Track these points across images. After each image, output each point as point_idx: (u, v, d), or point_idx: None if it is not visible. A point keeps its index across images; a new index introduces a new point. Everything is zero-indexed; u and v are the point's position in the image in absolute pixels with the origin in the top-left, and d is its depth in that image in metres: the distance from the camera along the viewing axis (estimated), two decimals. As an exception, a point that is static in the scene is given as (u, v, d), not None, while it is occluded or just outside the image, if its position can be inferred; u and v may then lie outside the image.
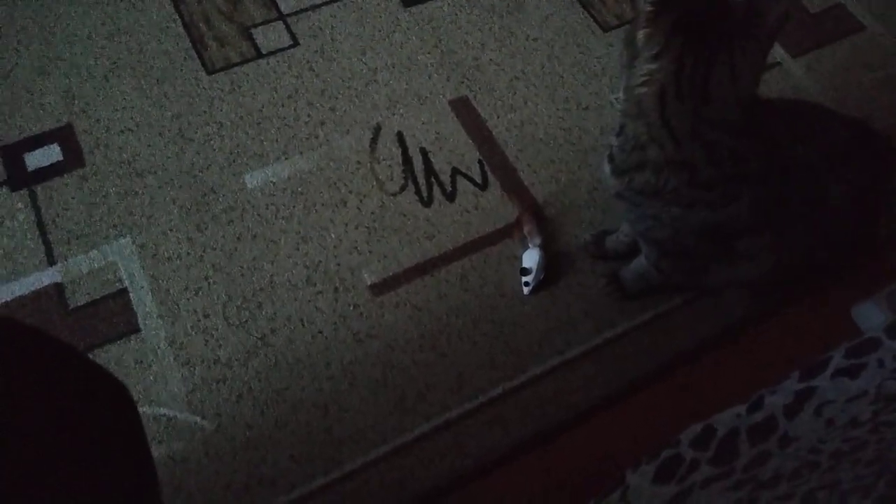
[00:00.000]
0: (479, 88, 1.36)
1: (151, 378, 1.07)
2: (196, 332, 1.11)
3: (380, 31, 1.42)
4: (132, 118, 1.29)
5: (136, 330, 1.11)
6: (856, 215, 0.95)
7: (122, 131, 1.28)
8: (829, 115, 1.00)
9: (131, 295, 1.14)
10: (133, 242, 1.18)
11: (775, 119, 0.90)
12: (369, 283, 1.16)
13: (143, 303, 1.13)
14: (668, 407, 1.04)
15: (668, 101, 0.81)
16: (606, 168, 0.95)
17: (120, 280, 1.15)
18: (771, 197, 0.89)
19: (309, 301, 1.14)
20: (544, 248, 1.17)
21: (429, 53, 1.40)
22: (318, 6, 1.45)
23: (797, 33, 1.45)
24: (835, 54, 1.43)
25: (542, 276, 1.15)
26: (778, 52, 1.42)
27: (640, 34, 0.80)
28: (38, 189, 1.21)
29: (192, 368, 1.09)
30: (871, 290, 1.10)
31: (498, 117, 1.33)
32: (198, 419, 1.05)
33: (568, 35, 1.43)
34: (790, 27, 1.45)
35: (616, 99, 0.88)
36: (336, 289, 1.15)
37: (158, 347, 1.10)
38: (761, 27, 0.78)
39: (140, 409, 1.02)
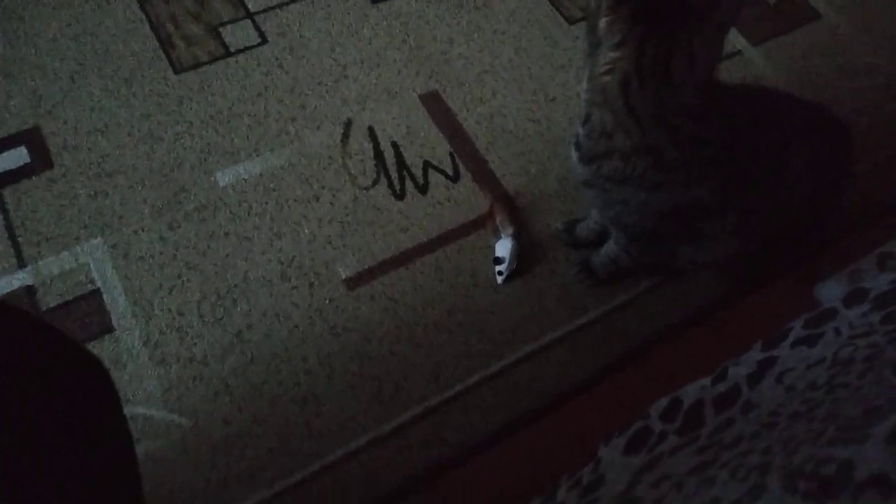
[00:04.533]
0: (449, 82, 1.37)
1: (127, 378, 1.07)
2: (171, 331, 1.11)
3: (348, 27, 1.43)
4: (100, 119, 1.29)
5: (110, 330, 1.10)
6: (815, 193, 0.98)
7: (90, 132, 1.27)
8: (788, 98, 1.02)
9: (104, 295, 1.13)
10: (105, 243, 1.17)
11: (735, 102, 0.93)
12: (344, 276, 1.17)
13: (117, 303, 1.13)
14: (641, 388, 1.05)
15: (631, 87, 0.82)
16: (574, 156, 0.97)
17: (92, 281, 1.14)
18: (732, 178, 0.91)
19: (284, 296, 1.15)
20: (517, 237, 1.18)
21: (398, 49, 1.41)
22: (286, 4, 1.45)
23: (756, 22, 1.49)
24: (793, 43, 1.46)
25: (515, 265, 1.16)
26: (738, 40, 1.46)
27: (602, 22, 0.82)
28: (6, 192, 1.20)
29: (167, 367, 1.08)
30: (833, 271, 1.13)
31: (468, 110, 1.34)
32: (175, 417, 1.05)
33: (535, 28, 1.45)
34: (750, 16, 1.49)
35: (581, 89, 0.89)
36: (311, 283, 1.16)
37: (133, 347, 1.09)
38: (718, 13, 0.81)
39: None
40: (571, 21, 1.47)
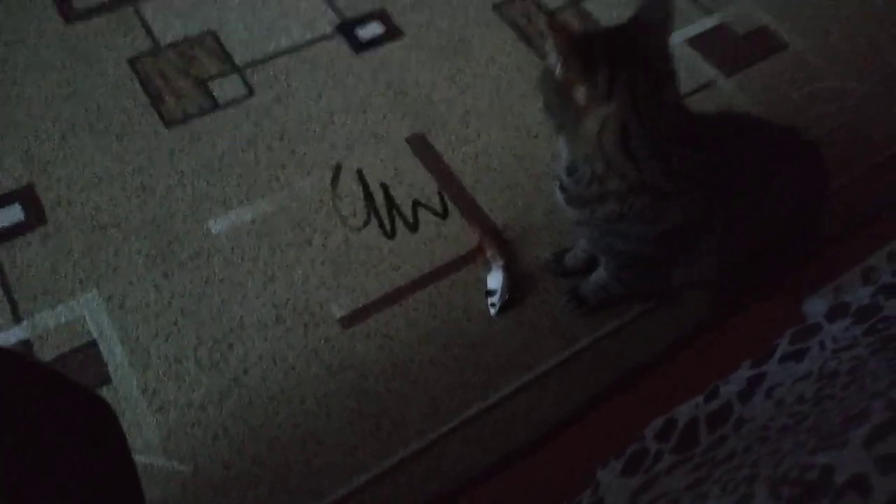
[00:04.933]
0: (433, 124, 1.41)
1: (126, 426, 1.05)
2: (168, 378, 1.11)
3: (333, 76, 1.47)
4: (93, 174, 1.31)
5: (108, 380, 1.11)
6: (795, 211, 1.01)
7: (83, 188, 1.30)
8: (762, 122, 1.07)
9: (100, 346, 1.14)
10: (100, 295, 1.18)
11: (715, 124, 0.97)
12: (338, 316, 1.18)
13: (113, 353, 1.13)
14: (636, 412, 1.06)
15: (630, 132, 0.86)
16: (560, 198, 0.99)
17: (88, 332, 1.15)
18: (720, 194, 0.94)
19: (280, 338, 1.16)
20: (507, 269, 1.21)
21: (382, 95, 1.45)
22: (272, 57, 1.50)
23: (728, 54, 1.54)
24: (763, 72, 1.52)
25: (507, 297, 1.18)
26: (711, 71, 1.51)
27: (580, 92, 0.85)
28: (1, 249, 1.22)
29: (165, 414, 1.08)
30: (819, 286, 1.16)
31: (453, 150, 1.38)
32: (174, 464, 1.05)
33: (513, 70, 1.50)
34: (721, 49, 1.55)
35: (563, 151, 0.94)
36: (306, 324, 1.17)
37: (131, 396, 1.10)
38: (658, 34, 0.85)
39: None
40: (549, 61, 1.52)
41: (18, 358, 0.55)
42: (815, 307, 1.07)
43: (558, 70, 0.85)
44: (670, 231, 0.96)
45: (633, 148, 0.87)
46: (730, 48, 1.56)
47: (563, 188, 0.97)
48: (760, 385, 0.73)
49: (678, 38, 1.57)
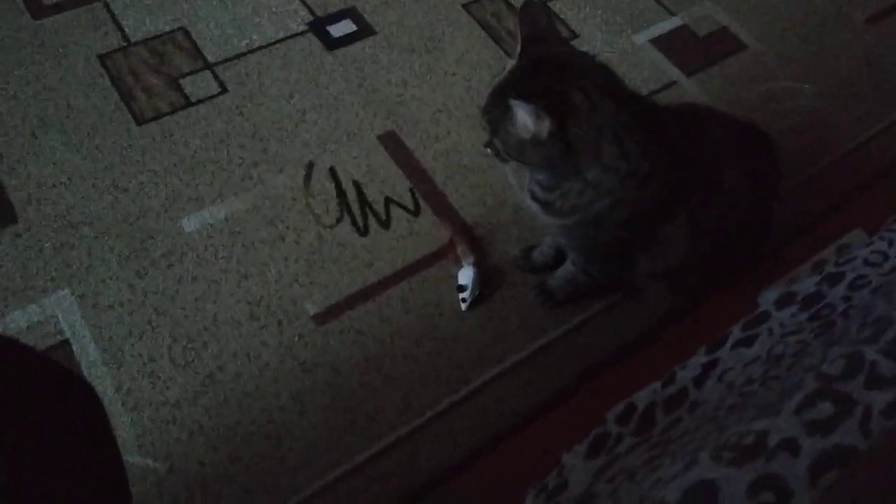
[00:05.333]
0: (405, 122, 1.43)
1: (100, 425, 1.08)
2: (142, 377, 1.12)
3: (305, 74, 1.49)
4: (63, 172, 1.31)
5: (81, 379, 1.11)
6: (751, 197, 1.04)
7: (53, 186, 1.29)
8: (720, 114, 1.11)
9: (73, 346, 1.14)
10: (72, 294, 1.19)
11: (672, 115, 1.02)
12: (312, 313, 1.20)
13: (87, 352, 1.14)
14: (602, 402, 1.10)
15: (619, 132, 0.90)
16: (533, 206, 1.03)
17: (61, 332, 1.15)
18: (678, 181, 0.98)
19: (254, 336, 1.17)
20: (478, 265, 1.23)
21: (354, 93, 1.47)
22: (244, 54, 1.50)
23: (689, 55, 1.59)
24: (723, 72, 1.57)
25: (477, 292, 1.21)
26: (673, 72, 1.55)
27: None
28: (-29, 248, 1.21)
29: (140, 412, 1.10)
30: (774, 280, 1.21)
31: (424, 148, 1.40)
32: (150, 462, 1.06)
33: (483, 68, 1.53)
34: (682, 50, 1.59)
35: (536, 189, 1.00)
36: (280, 322, 1.19)
37: (105, 395, 1.10)
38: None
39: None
40: (518, 60, 1.55)
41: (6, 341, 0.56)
42: (770, 298, 1.12)
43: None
44: (641, 215, 0.99)
45: (624, 141, 0.91)
46: (691, 49, 1.60)
47: (544, 203, 1.00)
48: (714, 370, 0.77)
49: (642, 38, 1.61)
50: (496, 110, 0.95)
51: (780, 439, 0.48)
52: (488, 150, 1.01)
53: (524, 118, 0.89)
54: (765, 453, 0.48)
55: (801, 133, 1.47)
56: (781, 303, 0.80)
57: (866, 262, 0.79)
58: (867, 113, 1.52)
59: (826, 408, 0.48)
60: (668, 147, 0.96)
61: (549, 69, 0.93)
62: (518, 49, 0.94)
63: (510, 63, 0.97)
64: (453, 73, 1.52)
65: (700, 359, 0.76)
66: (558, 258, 1.23)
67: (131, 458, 1.06)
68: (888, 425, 0.45)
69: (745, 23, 1.65)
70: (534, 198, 1.02)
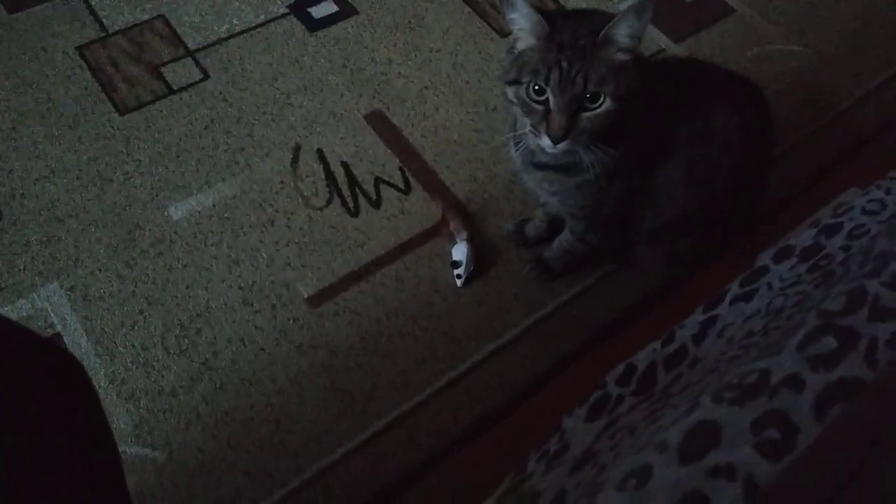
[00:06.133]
0: (391, 101, 1.41)
1: (95, 416, 1.06)
2: (136, 366, 1.11)
3: (288, 57, 1.46)
4: (47, 165, 1.29)
5: (74, 371, 1.10)
6: (743, 142, 1.02)
7: (37, 179, 1.27)
8: (714, 65, 1.10)
9: (65, 339, 1.13)
10: (61, 287, 1.17)
11: (662, 66, 1.00)
12: (306, 295, 1.18)
13: (79, 345, 1.12)
14: (601, 373, 1.09)
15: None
16: (537, 176, 1.00)
17: (52, 325, 1.13)
18: (677, 122, 0.97)
19: (248, 321, 1.16)
20: (471, 241, 1.22)
21: (338, 73, 1.45)
22: (225, 39, 1.48)
23: (676, 21, 1.57)
24: (712, 37, 1.55)
25: (472, 268, 1.20)
26: (661, 38, 1.54)
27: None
28: (-45, 245, 1.19)
29: (136, 402, 1.08)
30: (771, 242, 1.19)
31: (413, 125, 1.38)
32: (148, 451, 1.05)
33: (469, 43, 1.51)
34: (669, 15, 1.57)
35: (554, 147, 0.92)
36: (273, 305, 1.17)
37: (99, 386, 1.09)
38: None
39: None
40: (503, 34, 1.53)
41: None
42: (768, 255, 1.11)
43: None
44: (646, 156, 0.97)
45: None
46: (678, 14, 1.58)
47: (559, 167, 0.97)
48: (713, 327, 0.76)
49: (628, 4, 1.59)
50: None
51: (782, 376, 0.47)
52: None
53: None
54: (767, 390, 0.47)
55: (794, 94, 1.45)
56: (779, 256, 0.78)
57: (864, 212, 0.77)
58: (860, 73, 1.50)
59: (829, 342, 0.46)
60: (661, 81, 0.94)
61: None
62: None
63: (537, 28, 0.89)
64: (438, 50, 1.50)
65: (699, 317, 0.75)
66: (552, 230, 1.21)
67: (130, 449, 1.04)
68: (895, 355, 0.43)
69: (730, -13, 1.64)
70: (544, 166, 0.99)
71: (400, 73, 1.46)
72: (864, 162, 1.38)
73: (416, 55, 1.49)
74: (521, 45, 0.90)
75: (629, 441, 0.52)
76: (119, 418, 1.07)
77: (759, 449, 0.43)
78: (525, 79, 0.86)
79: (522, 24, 0.87)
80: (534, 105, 0.87)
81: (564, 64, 0.83)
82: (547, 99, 0.86)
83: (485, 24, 1.55)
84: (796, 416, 0.43)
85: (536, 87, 0.86)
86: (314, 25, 1.51)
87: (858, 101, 1.46)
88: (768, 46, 1.53)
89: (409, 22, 1.54)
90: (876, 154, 1.39)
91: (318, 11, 1.54)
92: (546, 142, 0.88)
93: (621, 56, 0.85)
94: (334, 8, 1.55)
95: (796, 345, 0.47)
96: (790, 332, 0.51)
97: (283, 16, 1.53)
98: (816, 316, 0.49)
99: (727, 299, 0.75)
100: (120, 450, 1.03)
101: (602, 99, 0.85)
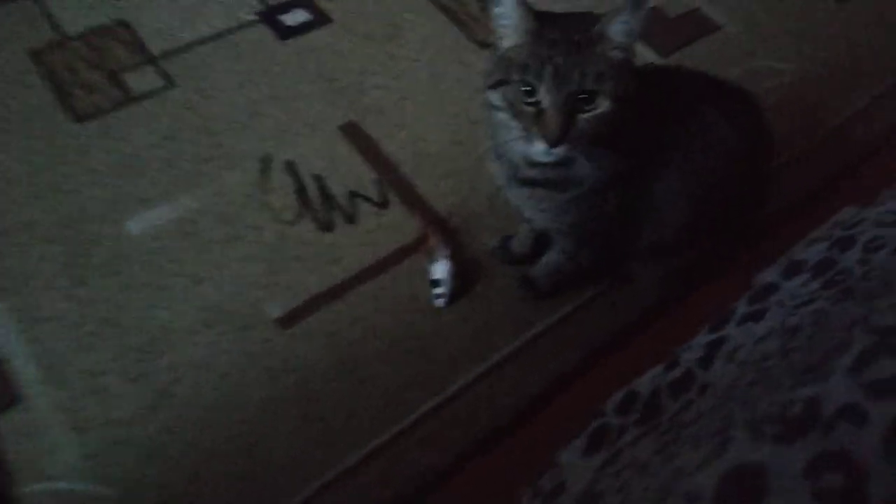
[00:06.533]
0: (367, 112, 1.35)
1: (44, 449, 0.96)
2: (88, 394, 1.01)
3: (258, 65, 1.39)
4: (-6, 176, 1.19)
5: (17, 401, 0.99)
6: (739, 146, 0.97)
7: (-17, 191, 1.17)
8: (706, 75, 1.05)
9: (10, 363, 1.02)
10: (7, 307, 1.07)
11: (657, 74, 0.95)
12: (275, 316, 1.10)
13: (25, 370, 1.02)
14: (598, 396, 1.03)
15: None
16: (525, 193, 0.94)
17: (-6, 349, 1.03)
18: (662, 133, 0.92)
19: (211, 343, 1.07)
20: (453, 258, 1.15)
21: (312, 83, 1.38)
22: (191, 45, 1.40)
23: (663, 36, 1.54)
24: (699, 53, 1.52)
25: (453, 286, 1.13)
26: (649, 54, 1.50)
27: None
28: None
29: (87, 434, 0.98)
30: (771, 261, 1.15)
31: (390, 137, 1.32)
32: (101, 489, 0.94)
33: (447, 54, 1.45)
34: (656, 31, 1.54)
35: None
36: (240, 327, 1.09)
37: (46, 416, 0.99)
38: None
39: (33, 487, 0.92)
40: (482, 45, 1.48)
41: None
42: (766, 277, 1.06)
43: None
44: (640, 169, 0.92)
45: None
46: (664, 30, 1.55)
47: (548, 182, 0.91)
48: (720, 349, 0.70)
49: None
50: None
51: (837, 406, 0.40)
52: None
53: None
54: (819, 424, 0.40)
55: (784, 109, 1.42)
56: (789, 272, 0.73)
57: (879, 224, 0.73)
58: (847, 90, 1.48)
59: (888, 365, 0.40)
60: (654, 88, 0.89)
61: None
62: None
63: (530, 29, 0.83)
64: (416, 60, 1.44)
65: (704, 338, 0.69)
66: (537, 248, 1.15)
67: (77, 486, 0.94)
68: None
69: (716, 3, 1.61)
70: (531, 181, 0.93)
71: (376, 83, 1.39)
72: (857, 180, 1.35)
73: (392, 65, 1.42)
74: (506, 44, 0.83)
75: (640, 482, 0.45)
76: (67, 451, 0.96)
77: (820, 499, 0.36)
78: (514, 77, 0.80)
79: (509, 18, 0.81)
80: (524, 107, 0.81)
81: (558, 59, 0.77)
82: (539, 100, 0.80)
83: (462, 34, 1.49)
84: (861, 456, 0.36)
85: (526, 87, 0.80)
86: (285, 33, 1.45)
87: (848, 119, 1.44)
88: (755, 63, 1.51)
89: (386, 31, 1.48)
90: (870, 172, 1.37)
91: (289, 19, 1.47)
92: (540, 147, 0.81)
93: (618, 54, 0.80)
94: (307, 16, 1.48)
95: (848, 367, 0.41)
96: (833, 352, 0.45)
97: (252, 23, 1.45)
98: (866, 332, 0.43)
99: (735, 318, 0.69)
100: (67, 487, 0.94)
101: (600, 99, 0.80)
